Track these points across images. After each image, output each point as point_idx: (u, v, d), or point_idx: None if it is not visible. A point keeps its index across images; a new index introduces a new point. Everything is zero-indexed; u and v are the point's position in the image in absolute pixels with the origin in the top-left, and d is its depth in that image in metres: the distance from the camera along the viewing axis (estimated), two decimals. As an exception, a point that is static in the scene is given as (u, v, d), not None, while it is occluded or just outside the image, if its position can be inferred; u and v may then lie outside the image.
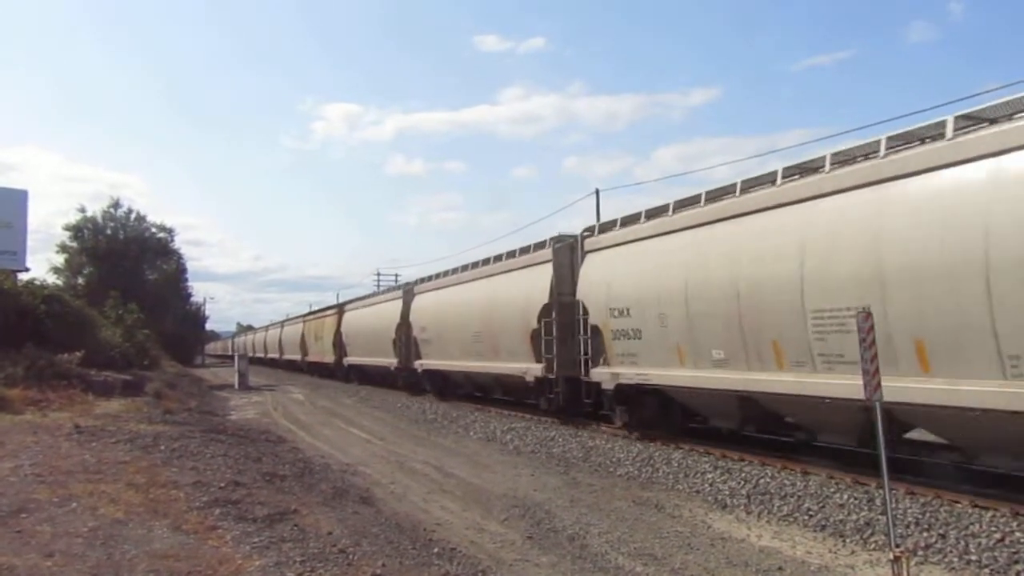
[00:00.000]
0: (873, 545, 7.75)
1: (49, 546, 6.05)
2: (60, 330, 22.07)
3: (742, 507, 9.61)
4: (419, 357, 27.25)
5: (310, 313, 53.68)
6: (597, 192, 30.37)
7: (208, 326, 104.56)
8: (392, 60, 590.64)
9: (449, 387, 26.14)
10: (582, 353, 16.40)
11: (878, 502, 8.61)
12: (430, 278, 28.12)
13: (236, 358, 42.22)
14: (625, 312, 14.53)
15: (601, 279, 15.66)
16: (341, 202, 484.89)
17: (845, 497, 9.24)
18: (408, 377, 28.95)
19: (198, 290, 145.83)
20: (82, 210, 53.68)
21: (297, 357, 50.92)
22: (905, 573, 6.28)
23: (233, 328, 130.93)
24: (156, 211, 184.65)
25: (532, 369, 18.33)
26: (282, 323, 66.68)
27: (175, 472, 9.64)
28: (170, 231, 60.07)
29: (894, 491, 7.90)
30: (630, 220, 15.29)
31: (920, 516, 8.26)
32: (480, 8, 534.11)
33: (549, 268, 17.93)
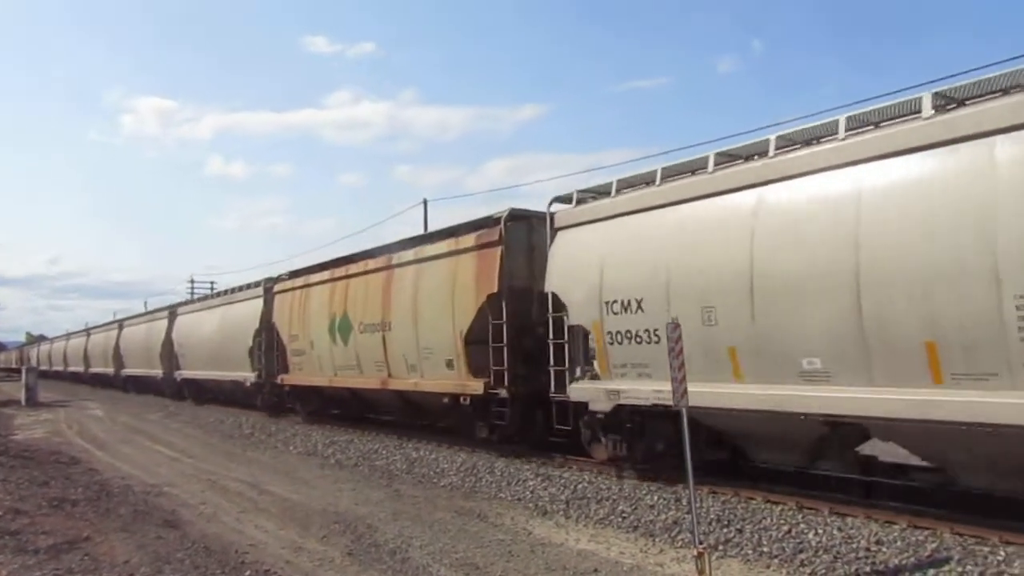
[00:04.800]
0: (680, 543, 8.22)
1: None
2: None
3: (561, 512, 9.89)
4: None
5: (95, 327, 54.51)
6: (425, 202, 30.74)
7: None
8: (211, 56, 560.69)
9: (203, 393, 29.67)
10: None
11: (685, 502, 9.14)
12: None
13: (24, 371, 38.28)
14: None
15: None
16: (154, 203, 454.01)
17: (655, 499, 9.75)
18: (172, 385, 32.83)
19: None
20: None
21: (81, 369, 53.96)
22: (707, 568, 6.71)
23: (22, 338, 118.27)
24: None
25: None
26: (68, 335, 66.34)
27: (-60, 502, 8.51)
28: (-57, 229, 53.61)
29: (698, 491, 8.46)
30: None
31: (721, 513, 8.86)
32: (308, 8, 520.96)
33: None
